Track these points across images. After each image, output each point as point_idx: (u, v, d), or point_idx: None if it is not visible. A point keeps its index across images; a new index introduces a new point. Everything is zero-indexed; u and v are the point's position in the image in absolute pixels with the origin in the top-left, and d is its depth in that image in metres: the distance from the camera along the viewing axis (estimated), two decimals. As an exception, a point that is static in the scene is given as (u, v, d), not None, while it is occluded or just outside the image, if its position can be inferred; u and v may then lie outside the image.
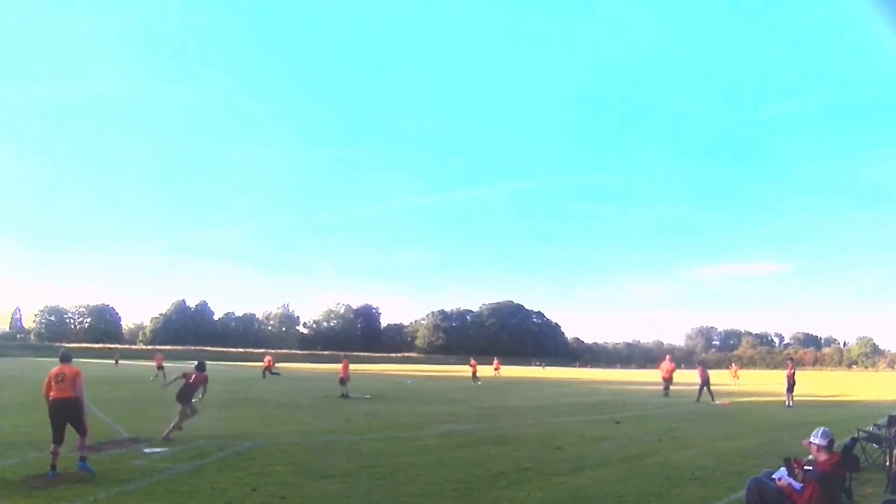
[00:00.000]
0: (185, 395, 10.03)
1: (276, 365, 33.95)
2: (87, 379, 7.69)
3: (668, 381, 22.84)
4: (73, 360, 7.69)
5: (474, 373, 32.02)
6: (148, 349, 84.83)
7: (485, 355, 75.82)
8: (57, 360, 7.55)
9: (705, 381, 20.62)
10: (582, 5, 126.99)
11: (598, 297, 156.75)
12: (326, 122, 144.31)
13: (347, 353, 28.47)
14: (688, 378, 28.33)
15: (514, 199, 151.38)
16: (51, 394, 7.11)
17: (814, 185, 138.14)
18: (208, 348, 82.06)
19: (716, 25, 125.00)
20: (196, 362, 10.82)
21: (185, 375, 10.31)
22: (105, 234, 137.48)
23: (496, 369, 43.85)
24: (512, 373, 53.18)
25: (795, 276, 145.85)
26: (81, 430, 7.04)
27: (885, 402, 21.44)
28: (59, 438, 6.87)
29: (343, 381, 19.65)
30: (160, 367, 26.89)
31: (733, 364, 41.86)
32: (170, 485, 6.30)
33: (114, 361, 47.11)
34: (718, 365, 78.32)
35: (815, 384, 37.23)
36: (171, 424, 9.55)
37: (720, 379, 36.53)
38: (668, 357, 25.89)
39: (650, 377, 37.26)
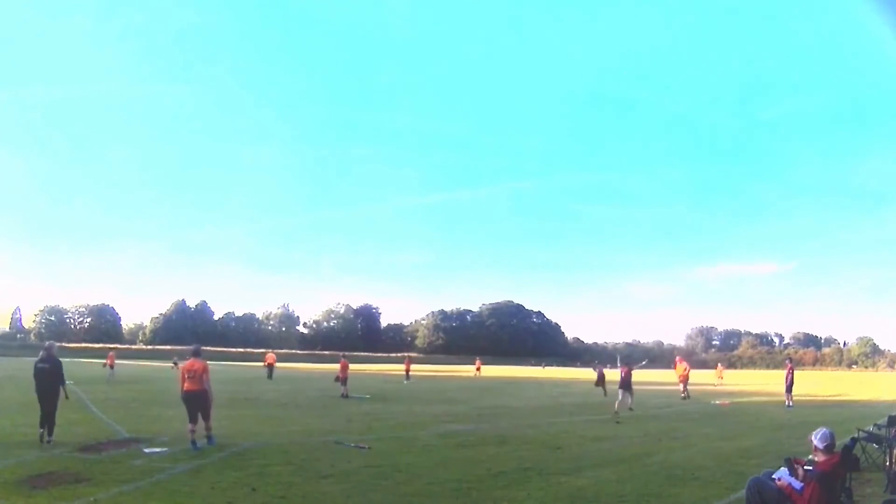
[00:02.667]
0: (626, 382, 15.60)
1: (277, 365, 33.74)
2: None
3: (684, 382, 22.06)
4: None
5: (407, 370, 33.40)
6: (148, 349, 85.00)
7: (485, 355, 75.77)
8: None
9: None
10: (582, 5, 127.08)
11: (598, 297, 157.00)
12: (326, 122, 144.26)
13: (346, 353, 28.41)
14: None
15: (514, 199, 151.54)
16: (184, 385, 8.81)
17: (814, 185, 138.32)
18: (208, 348, 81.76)
19: (716, 25, 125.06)
20: (616, 363, 14.52)
21: (622, 369, 15.94)
22: (105, 234, 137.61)
23: (477, 369, 44.18)
24: (511, 373, 53.20)
25: (795, 276, 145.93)
26: (207, 415, 8.77)
27: (885, 402, 21.44)
28: (193, 419, 8.60)
29: (343, 380, 19.64)
30: (111, 366, 26.66)
31: (719, 364, 42.60)
32: (170, 485, 6.29)
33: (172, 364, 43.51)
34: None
35: (815, 384, 37.24)
36: (618, 406, 15.05)
37: (707, 379, 36.66)
38: (678, 357, 25.36)
39: (650, 377, 37.25)
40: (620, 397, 15.67)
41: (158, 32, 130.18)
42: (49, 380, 8.82)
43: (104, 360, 29.98)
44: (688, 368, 22.84)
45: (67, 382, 9.49)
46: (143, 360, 64.98)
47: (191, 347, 9.63)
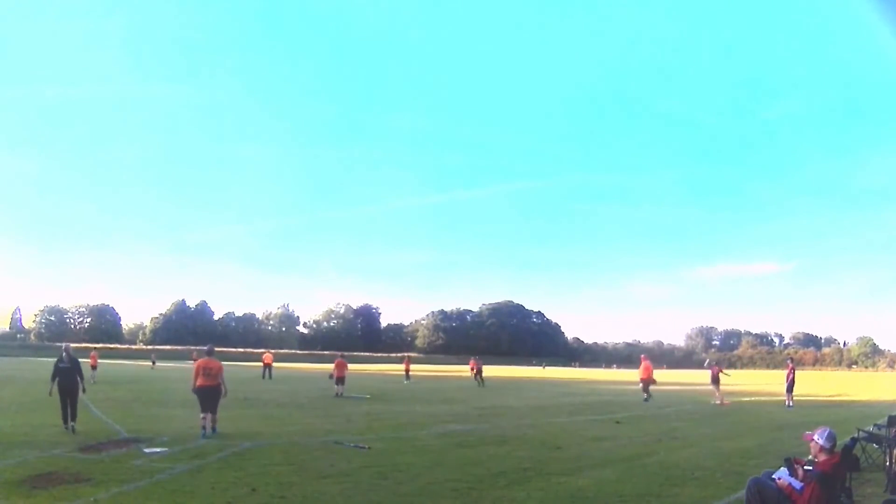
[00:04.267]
0: (715, 379, 20.19)
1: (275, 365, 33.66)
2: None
3: (646, 381, 20.35)
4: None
5: (407, 370, 34.16)
6: (148, 349, 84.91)
7: (485, 355, 75.37)
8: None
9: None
10: (582, 5, 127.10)
11: (598, 297, 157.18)
12: (326, 122, 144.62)
13: (345, 353, 28.39)
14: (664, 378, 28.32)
15: (514, 199, 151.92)
16: (198, 381, 9.76)
17: (814, 185, 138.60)
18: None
19: (716, 25, 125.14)
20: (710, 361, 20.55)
21: (713, 369, 20.52)
22: (105, 234, 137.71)
23: (472, 369, 44.27)
24: (510, 373, 53.17)
25: (795, 276, 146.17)
26: (216, 408, 9.78)
27: (885, 402, 21.42)
28: (206, 411, 9.60)
29: (339, 380, 19.60)
30: (93, 366, 26.29)
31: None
32: (170, 485, 6.28)
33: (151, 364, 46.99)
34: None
35: (815, 384, 37.24)
36: (718, 395, 19.33)
37: (703, 378, 36.55)
38: (642, 356, 22.90)
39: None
40: (716, 392, 19.81)
41: (158, 32, 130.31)
42: (70, 377, 10.05)
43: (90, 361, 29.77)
44: (649, 369, 20.97)
45: None
46: (143, 360, 64.93)
47: (205, 347, 10.84)
